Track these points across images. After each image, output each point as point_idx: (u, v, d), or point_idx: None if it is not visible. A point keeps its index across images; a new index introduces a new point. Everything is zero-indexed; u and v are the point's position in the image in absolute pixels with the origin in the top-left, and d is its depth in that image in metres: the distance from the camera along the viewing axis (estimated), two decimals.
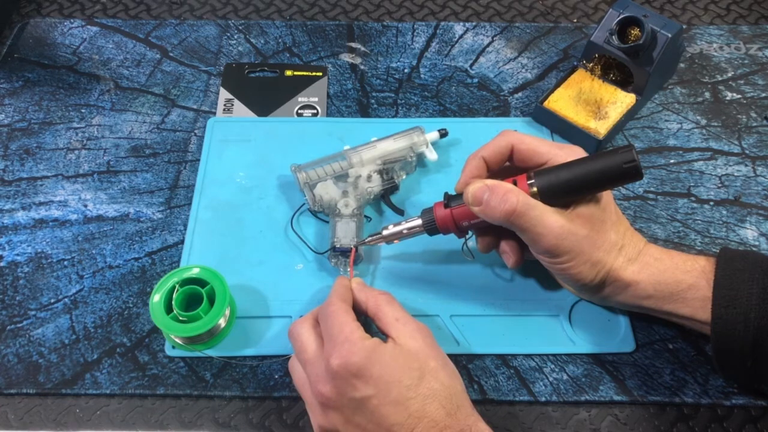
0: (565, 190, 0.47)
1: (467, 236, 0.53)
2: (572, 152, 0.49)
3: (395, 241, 0.54)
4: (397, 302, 0.47)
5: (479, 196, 0.47)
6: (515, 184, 0.48)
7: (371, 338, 0.44)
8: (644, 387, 0.51)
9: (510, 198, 0.46)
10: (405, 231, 0.53)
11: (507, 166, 0.52)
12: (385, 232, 0.53)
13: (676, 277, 0.48)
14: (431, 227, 0.52)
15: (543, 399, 0.51)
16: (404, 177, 0.61)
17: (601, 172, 0.46)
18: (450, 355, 0.52)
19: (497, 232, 0.52)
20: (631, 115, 0.66)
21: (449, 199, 0.51)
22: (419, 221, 0.52)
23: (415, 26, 0.76)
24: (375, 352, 0.43)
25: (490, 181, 0.48)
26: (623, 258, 0.48)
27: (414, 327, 0.45)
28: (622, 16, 0.62)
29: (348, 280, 0.50)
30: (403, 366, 0.42)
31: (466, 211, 0.49)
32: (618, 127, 0.65)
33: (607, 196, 0.49)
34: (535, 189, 0.47)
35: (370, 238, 0.54)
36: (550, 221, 0.46)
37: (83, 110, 0.68)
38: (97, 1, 0.79)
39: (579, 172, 0.46)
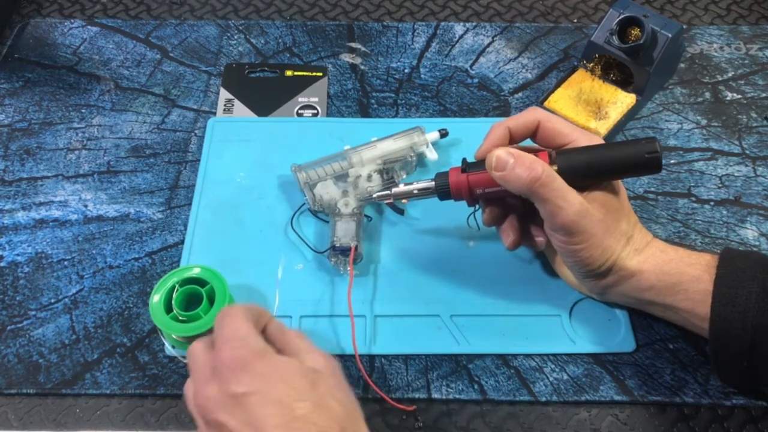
0: (585, 172, 0.47)
1: (475, 208, 0.53)
2: (593, 139, 0.49)
3: (404, 201, 0.52)
4: (306, 339, 0.43)
5: (504, 160, 0.47)
6: None
7: (267, 345, 0.41)
8: (644, 387, 0.51)
9: (536, 166, 0.45)
10: (416, 191, 0.52)
11: (524, 147, 0.52)
12: (395, 190, 0.52)
13: (680, 268, 0.48)
14: (444, 191, 0.51)
15: (543, 399, 0.50)
16: (404, 177, 0.61)
17: (622, 159, 0.46)
18: (450, 355, 0.52)
19: (506, 206, 0.52)
20: (631, 115, 0.66)
21: (467, 166, 0.51)
22: (432, 183, 0.51)
23: (416, 26, 0.76)
24: (267, 352, 0.40)
25: (515, 150, 0.47)
26: (630, 248, 0.49)
27: (320, 355, 0.42)
28: (622, 16, 0.62)
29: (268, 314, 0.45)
30: (295, 372, 0.39)
31: (483, 178, 0.49)
32: (618, 127, 0.65)
33: (622, 187, 0.49)
34: (555, 167, 0.47)
35: (378, 194, 0.53)
36: (571, 196, 0.46)
37: (83, 110, 0.68)
38: (97, 2, 0.79)
39: (600, 156, 0.47)
